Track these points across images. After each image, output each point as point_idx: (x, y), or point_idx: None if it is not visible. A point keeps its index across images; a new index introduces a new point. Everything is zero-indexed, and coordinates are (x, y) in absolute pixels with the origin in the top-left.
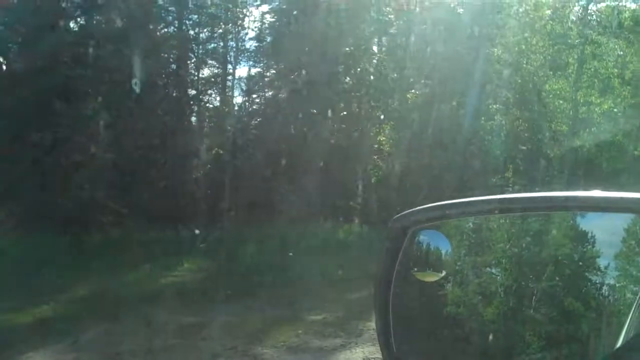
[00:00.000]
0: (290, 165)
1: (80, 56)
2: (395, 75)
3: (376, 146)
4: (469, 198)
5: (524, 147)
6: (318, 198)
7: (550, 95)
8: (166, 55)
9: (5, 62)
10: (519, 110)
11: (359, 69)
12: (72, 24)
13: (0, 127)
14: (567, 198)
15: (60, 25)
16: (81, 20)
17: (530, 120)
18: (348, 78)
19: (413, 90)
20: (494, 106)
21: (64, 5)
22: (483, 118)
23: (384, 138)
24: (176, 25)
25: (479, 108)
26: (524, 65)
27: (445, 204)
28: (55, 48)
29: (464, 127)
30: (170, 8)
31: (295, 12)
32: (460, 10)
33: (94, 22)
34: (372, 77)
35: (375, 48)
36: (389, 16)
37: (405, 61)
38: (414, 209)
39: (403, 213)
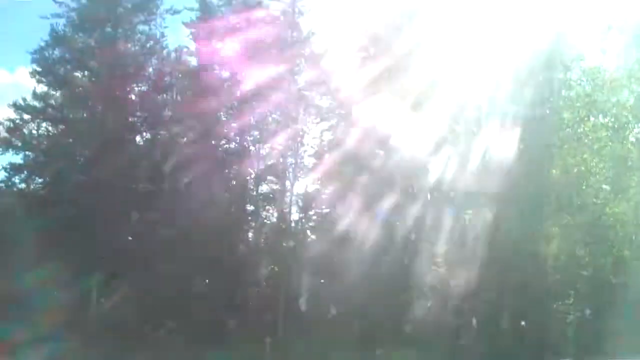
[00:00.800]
0: (345, 283)
1: (145, 170)
2: (452, 194)
3: (433, 268)
4: None
5: (585, 273)
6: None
7: (612, 219)
8: (227, 170)
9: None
10: (579, 233)
11: (414, 188)
12: (137, 138)
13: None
14: None
15: (126, 139)
16: (147, 135)
17: (591, 244)
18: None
19: (470, 211)
20: (554, 229)
21: (130, 119)
22: (543, 241)
23: (439, 260)
24: (237, 141)
25: (538, 231)
26: (584, 188)
27: None
28: (120, 161)
29: (522, 249)
30: (232, 124)
31: (352, 130)
32: (518, 130)
33: (159, 136)
34: (428, 196)
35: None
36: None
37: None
38: None
39: None
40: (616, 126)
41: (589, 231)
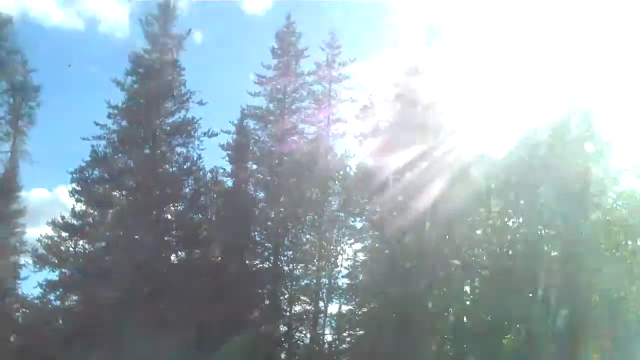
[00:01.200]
0: None
1: (179, 290)
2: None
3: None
4: None
5: None
6: None
7: None
8: (260, 290)
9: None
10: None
11: (451, 310)
12: (173, 257)
13: None
14: None
15: (162, 257)
16: (182, 254)
17: None
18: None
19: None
20: (595, 356)
21: (166, 238)
22: None
23: None
24: (271, 260)
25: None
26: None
27: None
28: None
29: None
30: (267, 244)
31: (387, 251)
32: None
33: (194, 255)
34: (464, 320)
35: (467, 289)
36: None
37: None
38: None
39: None
40: None
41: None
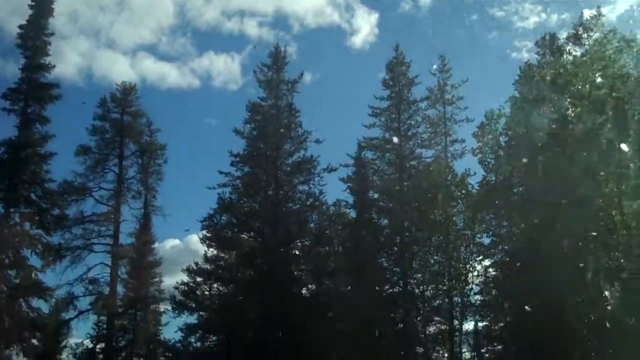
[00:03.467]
0: None
1: (312, 324)
2: (633, 320)
3: None
4: None
5: None
6: None
7: None
8: (393, 315)
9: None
10: None
11: (592, 317)
12: (304, 291)
13: None
14: None
15: (293, 292)
16: (312, 287)
17: None
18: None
19: None
20: None
21: (296, 273)
22: None
23: None
24: (401, 284)
25: None
26: None
27: None
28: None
29: None
30: (395, 269)
31: (518, 264)
32: None
33: (323, 287)
34: (607, 325)
35: (607, 293)
36: (620, 261)
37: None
38: None
39: None
40: None
41: None
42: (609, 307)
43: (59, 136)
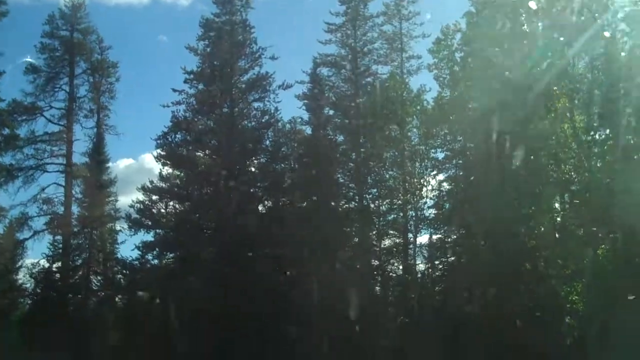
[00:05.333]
0: (477, 328)
1: (268, 236)
2: (582, 232)
3: (568, 306)
4: None
5: None
6: None
7: None
8: (348, 229)
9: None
10: None
11: (542, 229)
12: (260, 207)
13: None
14: None
15: (250, 209)
16: (268, 203)
17: None
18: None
19: (603, 246)
20: None
21: (252, 190)
22: None
23: (576, 297)
24: (357, 200)
25: None
26: None
27: None
28: (243, 230)
29: None
30: (350, 185)
31: (472, 178)
32: None
33: (280, 203)
34: (556, 235)
35: (557, 205)
36: (570, 174)
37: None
38: None
39: None
40: None
41: None
42: (558, 219)
43: (7, 55)
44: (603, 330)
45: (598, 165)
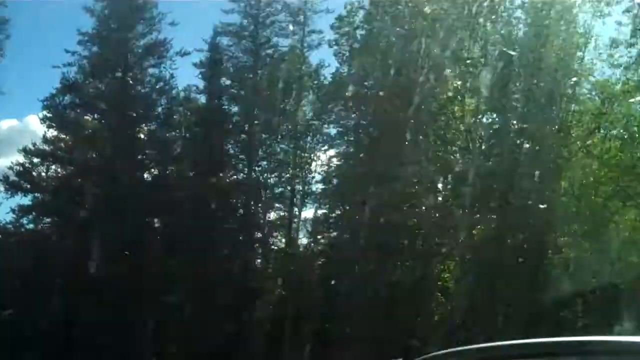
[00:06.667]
0: (353, 303)
1: (154, 203)
2: (461, 211)
3: (440, 283)
4: (492, 343)
5: (593, 280)
6: (379, 336)
7: (621, 226)
8: (235, 200)
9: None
10: (588, 242)
11: (424, 208)
12: (146, 175)
13: None
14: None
15: (135, 176)
16: (155, 171)
17: (600, 252)
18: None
19: (479, 226)
20: (562, 239)
21: (139, 157)
22: (550, 251)
23: (448, 275)
24: (246, 172)
25: (545, 241)
26: (593, 198)
27: (465, 350)
28: (129, 198)
29: (530, 261)
30: (240, 156)
31: (361, 155)
32: (527, 145)
33: (167, 172)
34: (436, 215)
35: (440, 186)
36: (455, 155)
37: (470, 197)
38: (435, 354)
39: (425, 357)
40: (626, 137)
41: (599, 239)
42: (439, 199)
43: None
44: (472, 308)
45: (482, 148)
